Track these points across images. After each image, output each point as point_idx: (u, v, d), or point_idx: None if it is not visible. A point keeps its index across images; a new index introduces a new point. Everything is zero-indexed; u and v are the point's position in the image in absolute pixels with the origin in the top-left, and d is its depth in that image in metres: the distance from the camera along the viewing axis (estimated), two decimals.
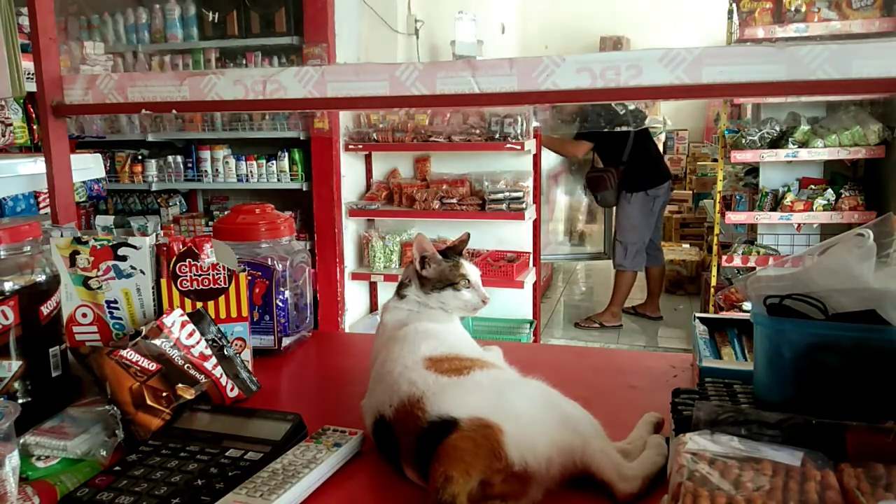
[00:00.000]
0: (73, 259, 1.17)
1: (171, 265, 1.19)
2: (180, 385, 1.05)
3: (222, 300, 1.21)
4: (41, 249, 1.10)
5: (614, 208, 5.17)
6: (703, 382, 0.91)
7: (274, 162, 4.32)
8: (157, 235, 1.24)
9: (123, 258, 1.18)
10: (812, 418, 0.71)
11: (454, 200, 4.14)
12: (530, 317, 4.41)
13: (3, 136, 2.34)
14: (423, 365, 0.93)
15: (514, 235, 4.34)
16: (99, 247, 1.17)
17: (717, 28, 5.22)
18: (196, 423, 1.00)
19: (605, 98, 1.15)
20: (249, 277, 1.29)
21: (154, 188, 4.63)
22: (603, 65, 1.11)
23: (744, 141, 3.95)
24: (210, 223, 4.56)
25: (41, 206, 2.07)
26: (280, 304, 1.37)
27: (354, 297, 4.46)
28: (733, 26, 4.20)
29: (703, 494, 0.62)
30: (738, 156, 3.97)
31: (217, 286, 1.21)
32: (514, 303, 4.35)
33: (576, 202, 6.06)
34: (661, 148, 5.91)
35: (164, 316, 1.09)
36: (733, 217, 4.12)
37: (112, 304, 1.19)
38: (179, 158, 4.55)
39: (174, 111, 1.35)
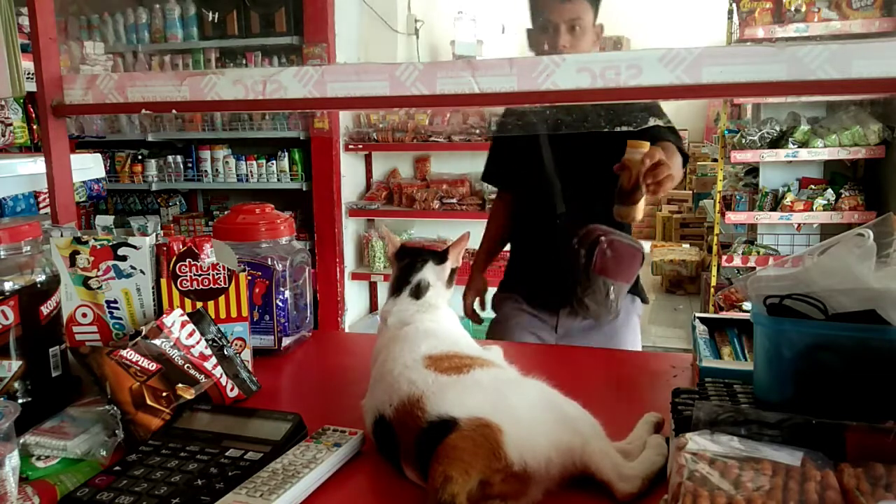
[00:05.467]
0: (73, 259, 1.17)
1: (171, 265, 1.19)
2: (180, 385, 1.05)
3: (222, 300, 1.21)
4: (41, 249, 1.10)
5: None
6: (703, 382, 0.91)
7: (274, 162, 4.32)
8: (157, 235, 1.24)
9: (123, 258, 1.18)
10: (812, 418, 0.71)
11: (454, 200, 4.14)
12: None
13: (3, 136, 2.34)
14: (423, 364, 0.93)
15: None
16: (99, 247, 1.17)
17: (717, 28, 5.21)
18: (196, 423, 1.00)
19: (605, 98, 1.15)
20: (249, 277, 1.29)
21: (154, 188, 4.63)
22: (603, 65, 1.11)
23: (744, 141, 3.95)
24: (210, 223, 4.56)
25: (41, 206, 2.07)
26: (280, 304, 1.37)
27: (354, 297, 4.47)
28: (733, 26, 4.19)
29: (703, 494, 0.62)
30: (738, 156, 3.97)
31: (217, 286, 1.21)
32: None
33: None
34: None
35: (164, 316, 1.09)
36: (733, 217, 4.11)
37: (112, 304, 1.19)
38: (179, 158, 4.56)
39: (174, 111, 1.35)
